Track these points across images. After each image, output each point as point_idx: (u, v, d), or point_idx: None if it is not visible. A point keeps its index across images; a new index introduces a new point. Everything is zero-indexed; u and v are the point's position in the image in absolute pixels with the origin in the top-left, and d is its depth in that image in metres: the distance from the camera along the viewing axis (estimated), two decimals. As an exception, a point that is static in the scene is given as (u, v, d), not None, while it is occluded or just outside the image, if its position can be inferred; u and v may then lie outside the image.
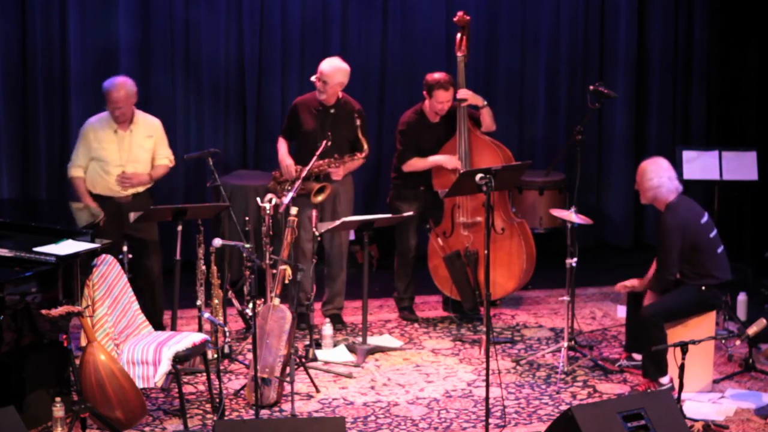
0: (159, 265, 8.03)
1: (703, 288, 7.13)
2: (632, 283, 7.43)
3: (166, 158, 8.02)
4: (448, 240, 8.48)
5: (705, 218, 7.23)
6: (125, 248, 7.96)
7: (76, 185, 7.90)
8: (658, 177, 7.19)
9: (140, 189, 7.91)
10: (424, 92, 8.29)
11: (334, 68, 8.03)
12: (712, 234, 7.21)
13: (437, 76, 8.23)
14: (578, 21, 10.32)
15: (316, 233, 7.84)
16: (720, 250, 7.22)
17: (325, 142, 7.84)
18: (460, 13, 8.43)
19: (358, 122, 8.02)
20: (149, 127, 7.93)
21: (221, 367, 7.29)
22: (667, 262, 7.10)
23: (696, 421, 6.59)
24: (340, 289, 8.38)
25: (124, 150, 7.79)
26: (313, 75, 8.13)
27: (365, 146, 8.07)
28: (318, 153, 7.83)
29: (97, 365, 6.32)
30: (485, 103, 8.35)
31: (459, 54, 8.40)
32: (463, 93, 8.30)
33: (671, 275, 7.12)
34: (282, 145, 8.21)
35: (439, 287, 8.60)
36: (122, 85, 7.74)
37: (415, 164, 8.34)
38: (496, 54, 10.23)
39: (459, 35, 8.41)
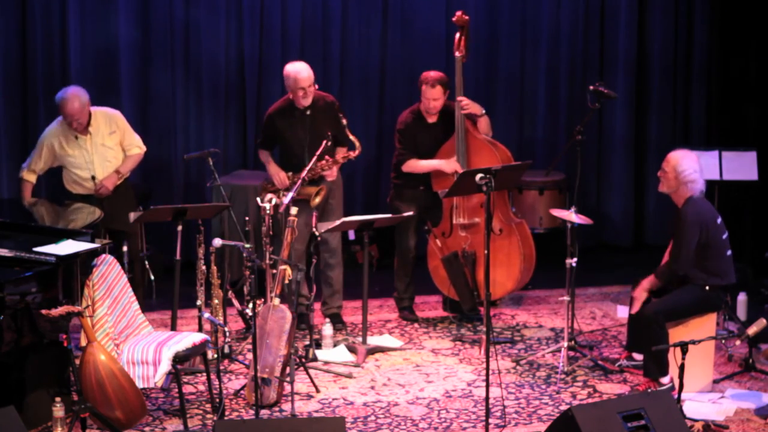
0: (139, 264, 8.07)
1: (707, 288, 7.13)
2: (645, 286, 7.35)
3: (136, 147, 8.03)
4: (446, 241, 8.47)
5: (719, 220, 7.22)
6: (125, 248, 7.98)
7: (23, 187, 8.01)
8: (696, 172, 7.15)
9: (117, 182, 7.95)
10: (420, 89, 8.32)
11: (307, 72, 7.99)
12: (724, 236, 7.20)
13: (428, 74, 8.24)
14: (578, 21, 10.32)
15: (317, 233, 7.84)
16: (729, 253, 7.21)
17: (325, 142, 7.84)
18: (458, 13, 8.42)
19: (344, 121, 8.00)
20: (110, 122, 7.91)
21: (221, 367, 7.29)
22: (680, 255, 7.08)
23: (696, 421, 6.58)
24: (338, 288, 8.38)
25: (89, 153, 7.80)
26: (288, 86, 8.11)
27: (358, 144, 8.07)
28: (318, 153, 7.83)
29: (97, 365, 6.32)
30: (483, 112, 8.34)
31: (457, 54, 8.39)
32: (462, 102, 8.28)
33: (681, 270, 7.09)
34: (267, 158, 8.21)
35: (439, 287, 8.60)
36: (75, 97, 7.71)
37: (414, 166, 8.33)
38: (496, 54, 10.23)
39: (458, 35, 8.41)
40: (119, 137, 7.90)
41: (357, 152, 8.10)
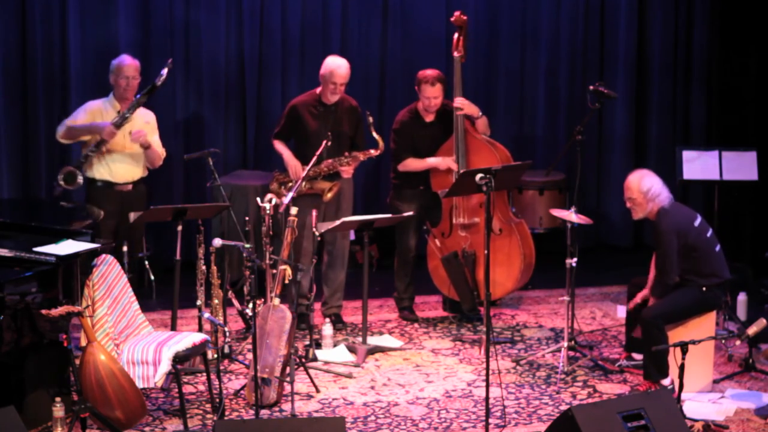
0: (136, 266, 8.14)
1: (704, 288, 7.13)
2: (643, 295, 7.36)
3: (160, 148, 8.07)
4: (446, 241, 8.47)
5: (698, 220, 7.21)
6: (125, 248, 7.98)
7: (75, 129, 7.83)
8: (658, 184, 7.16)
9: (137, 177, 7.94)
10: (416, 88, 8.32)
11: (345, 70, 8.08)
12: (709, 234, 7.20)
13: (427, 72, 8.25)
14: (578, 21, 10.32)
15: (316, 233, 7.85)
16: (717, 248, 7.21)
17: (325, 142, 7.85)
18: (456, 13, 8.43)
19: (370, 119, 8.04)
20: (146, 114, 8.03)
21: (221, 367, 7.29)
22: (665, 266, 7.09)
23: (696, 421, 6.59)
24: (339, 289, 8.38)
25: (127, 131, 7.82)
26: (315, 77, 8.15)
27: (381, 143, 8.10)
28: (318, 153, 7.84)
29: (97, 365, 6.32)
30: (480, 114, 8.35)
31: (456, 54, 8.40)
32: (459, 102, 8.28)
33: (671, 279, 7.10)
34: (284, 147, 8.22)
35: (439, 288, 8.60)
36: (133, 59, 7.96)
37: (411, 165, 8.34)
38: (496, 54, 10.24)
39: (456, 35, 8.41)
40: (150, 132, 7.95)
41: (379, 151, 8.13)
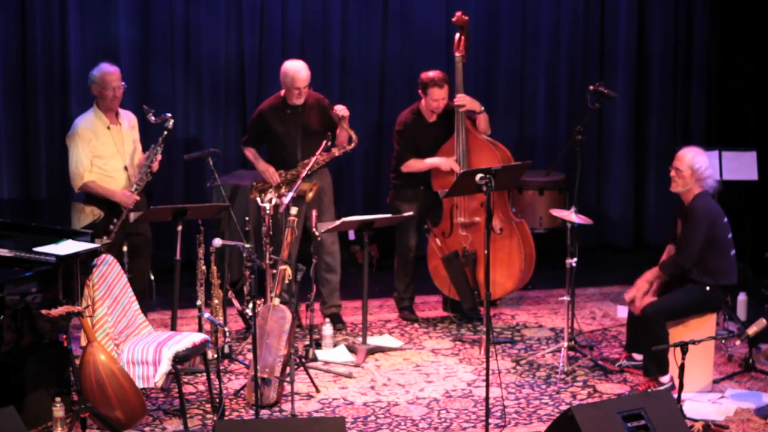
0: (148, 262, 8.09)
1: (708, 288, 7.13)
2: (648, 277, 7.34)
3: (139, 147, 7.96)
4: (446, 240, 8.47)
5: (725, 219, 7.22)
6: (125, 248, 7.98)
7: (94, 188, 7.63)
8: (710, 167, 7.16)
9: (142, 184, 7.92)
10: (420, 91, 8.31)
11: (306, 73, 8.03)
12: (729, 235, 7.20)
13: (431, 74, 8.24)
14: (578, 21, 10.33)
15: (317, 233, 7.85)
16: (732, 253, 7.21)
17: (325, 141, 7.87)
18: (458, 14, 8.44)
19: (345, 114, 8.02)
20: (130, 118, 7.91)
21: (221, 367, 7.29)
22: (688, 248, 7.07)
23: (696, 421, 6.59)
24: (336, 288, 8.38)
25: (120, 144, 7.75)
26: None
27: (354, 137, 8.08)
28: (319, 152, 7.85)
29: (97, 365, 6.32)
30: (482, 109, 8.35)
31: (457, 54, 8.40)
32: (461, 99, 8.29)
33: (687, 263, 7.08)
34: (256, 155, 8.23)
35: (439, 287, 8.60)
36: (114, 67, 7.73)
37: (413, 165, 8.34)
38: (496, 54, 10.24)
39: (457, 35, 8.42)
40: (136, 134, 7.91)
41: (353, 145, 8.11)
